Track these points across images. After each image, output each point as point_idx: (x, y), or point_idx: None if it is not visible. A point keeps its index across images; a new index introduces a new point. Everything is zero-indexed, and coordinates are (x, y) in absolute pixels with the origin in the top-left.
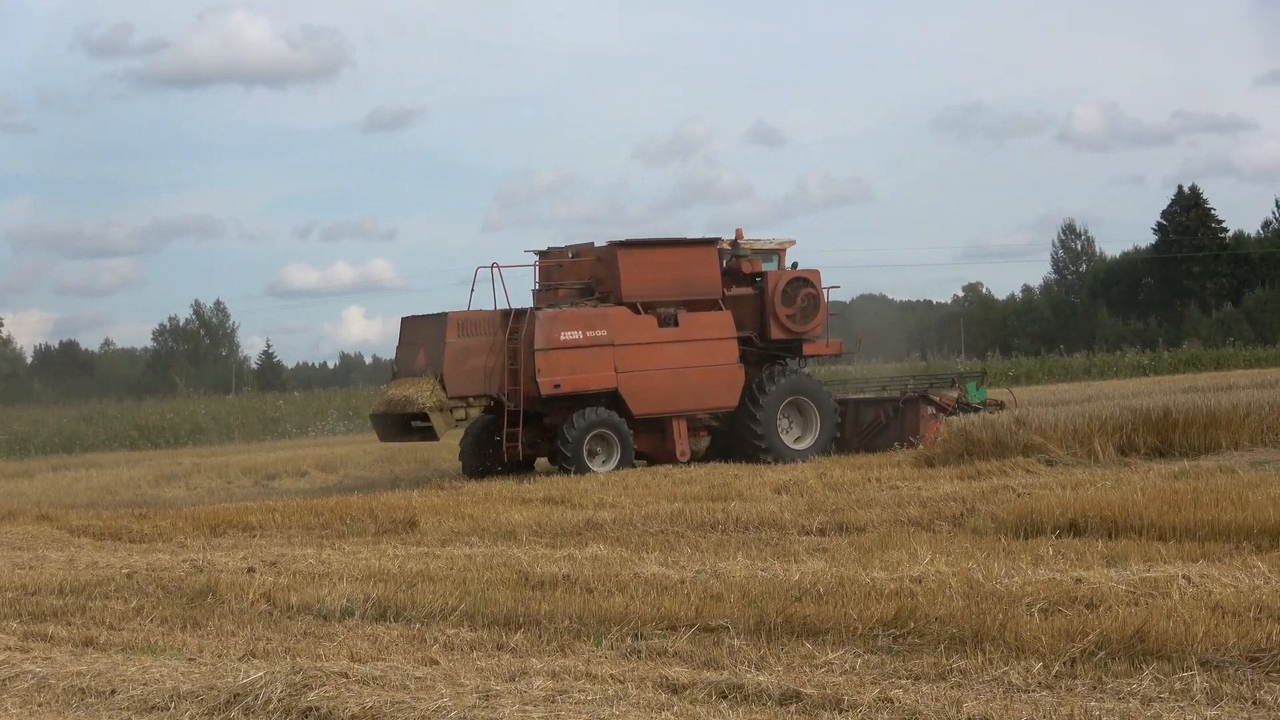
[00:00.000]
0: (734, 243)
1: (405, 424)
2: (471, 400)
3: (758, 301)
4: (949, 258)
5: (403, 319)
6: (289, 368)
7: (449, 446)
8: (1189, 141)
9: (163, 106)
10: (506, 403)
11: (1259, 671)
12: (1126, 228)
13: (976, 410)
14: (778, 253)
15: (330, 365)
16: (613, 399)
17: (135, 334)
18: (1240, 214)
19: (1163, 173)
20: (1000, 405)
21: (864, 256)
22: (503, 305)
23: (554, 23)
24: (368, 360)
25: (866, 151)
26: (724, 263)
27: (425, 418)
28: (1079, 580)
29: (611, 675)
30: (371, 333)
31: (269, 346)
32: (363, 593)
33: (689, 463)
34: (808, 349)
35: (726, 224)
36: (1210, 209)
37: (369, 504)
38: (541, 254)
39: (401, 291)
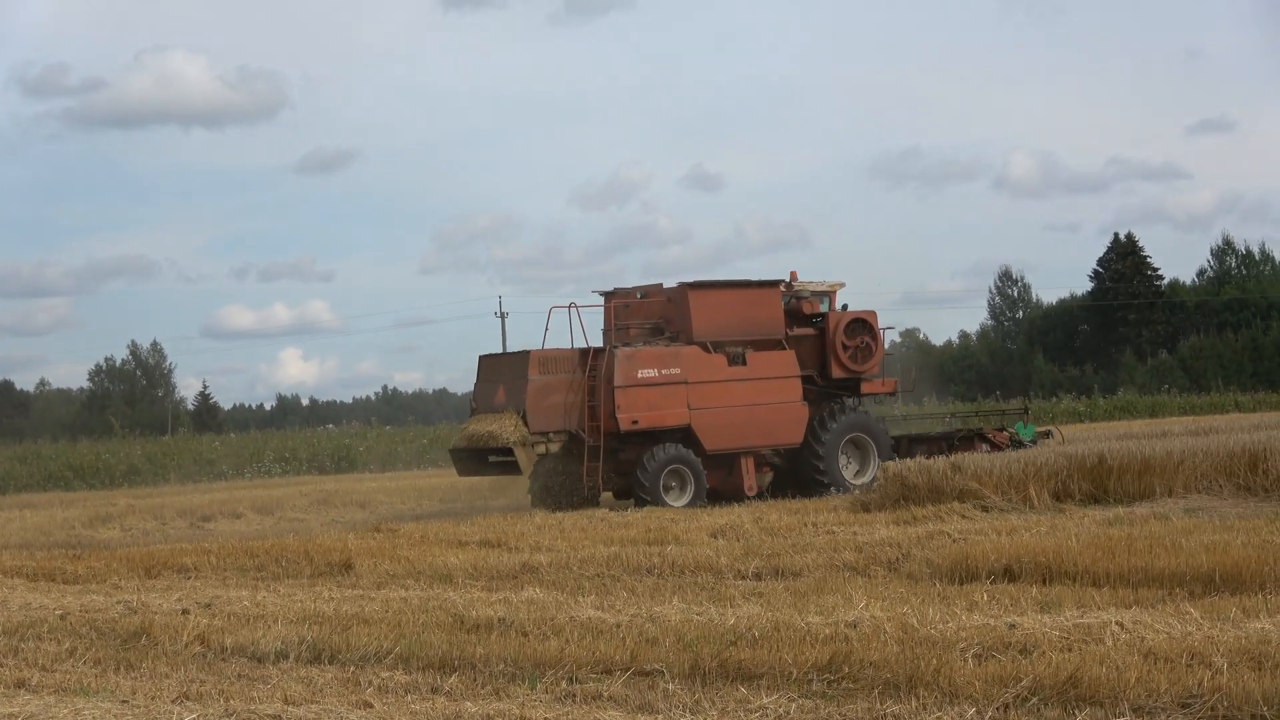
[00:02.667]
0: (789, 284)
1: (485, 459)
2: (551, 435)
3: (818, 341)
4: (886, 303)
5: (481, 357)
6: (225, 409)
7: (389, 488)
8: (1123, 189)
9: (99, 146)
10: (586, 438)
11: (1190, 717)
12: (1062, 274)
13: (1026, 445)
14: (829, 295)
15: (267, 406)
16: (685, 435)
17: (71, 374)
18: (1175, 262)
19: (1098, 220)
20: (1049, 433)
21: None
22: (580, 344)
23: (492, 66)
24: (305, 402)
25: (803, 197)
26: (785, 304)
27: (506, 452)
28: (1013, 626)
29: (546, 719)
30: (308, 374)
31: (205, 387)
32: (297, 635)
33: (756, 497)
34: (865, 387)
35: (663, 269)
36: (1145, 257)
37: (304, 546)
38: (608, 295)
39: (339, 333)
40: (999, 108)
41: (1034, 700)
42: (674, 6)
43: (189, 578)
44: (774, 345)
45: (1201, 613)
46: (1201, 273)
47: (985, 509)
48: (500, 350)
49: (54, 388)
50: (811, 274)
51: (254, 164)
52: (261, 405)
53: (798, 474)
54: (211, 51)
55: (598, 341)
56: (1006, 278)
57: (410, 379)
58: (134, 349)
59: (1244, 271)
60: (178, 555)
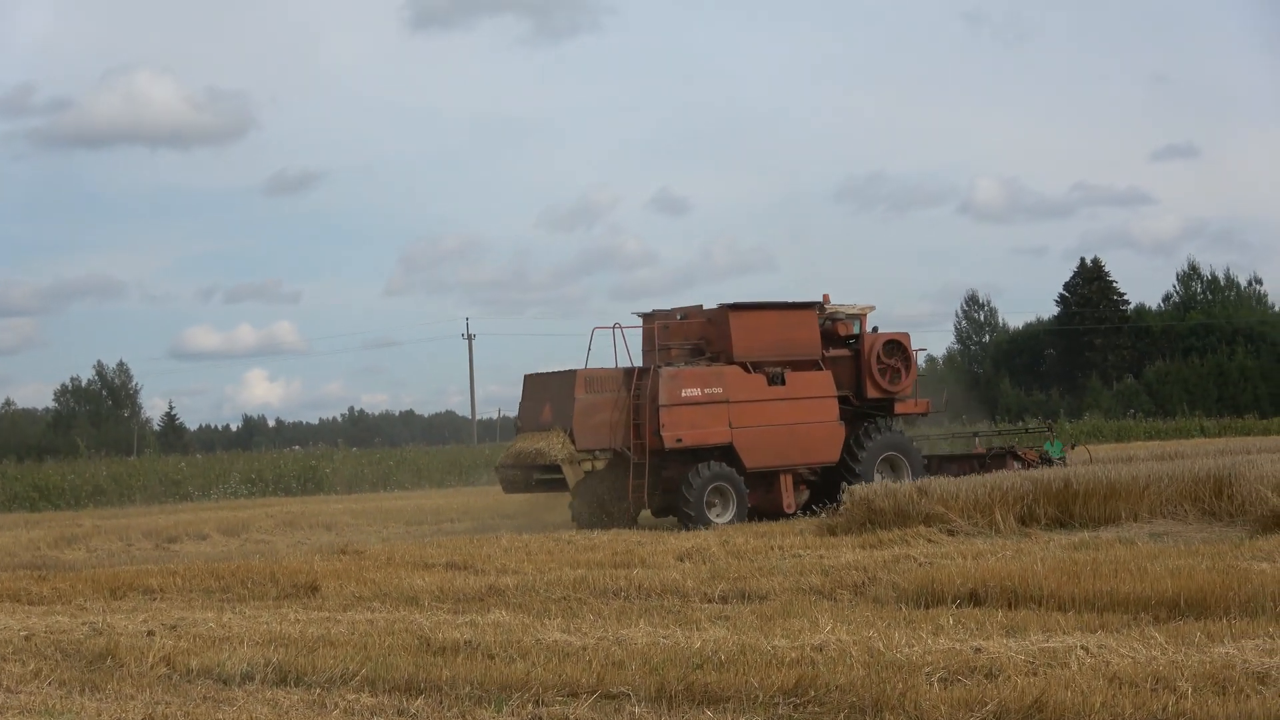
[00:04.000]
0: (821, 306)
1: (530, 476)
2: (597, 453)
3: (853, 362)
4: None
5: (526, 376)
6: (191, 430)
7: (355, 510)
8: (1089, 214)
9: (66, 167)
10: (631, 456)
11: None
12: (1029, 299)
13: (1056, 463)
14: (859, 317)
15: (233, 428)
16: (726, 453)
17: (36, 394)
18: (1141, 287)
19: (1064, 245)
20: (1075, 446)
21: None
22: (622, 364)
23: (460, 87)
24: (271, 423)
25: (770, 220)
26: (820, 325)
27: (553, 469)
28: (978, 650)
29: None
30: (275, 395)
31: (171, 408)
32: (263, 657)
33: (794, 514)
34: (899, 408)
35: (631, 291)
36: (1112, 281)
37: (270, 568)
38: (647, 316)
39: (305, 354)
40: (965, 132)
41: None
42: (643, 29)
43: (154, 599)
44: (811, 366)
45: (1166, 637)
46: (1167, 298)
47: (951, 533)
48: (546, 369)
49: (19, 408)
50: (781, 295)
51: (221, 185)
52: (228, 426)
53: (834, 492)
54: (179, 72)
55: (636, 362)
56: (973, 302)
57: (377, 400)
58: (100, 369)
59: (1210, 297)
60: (143, 576)
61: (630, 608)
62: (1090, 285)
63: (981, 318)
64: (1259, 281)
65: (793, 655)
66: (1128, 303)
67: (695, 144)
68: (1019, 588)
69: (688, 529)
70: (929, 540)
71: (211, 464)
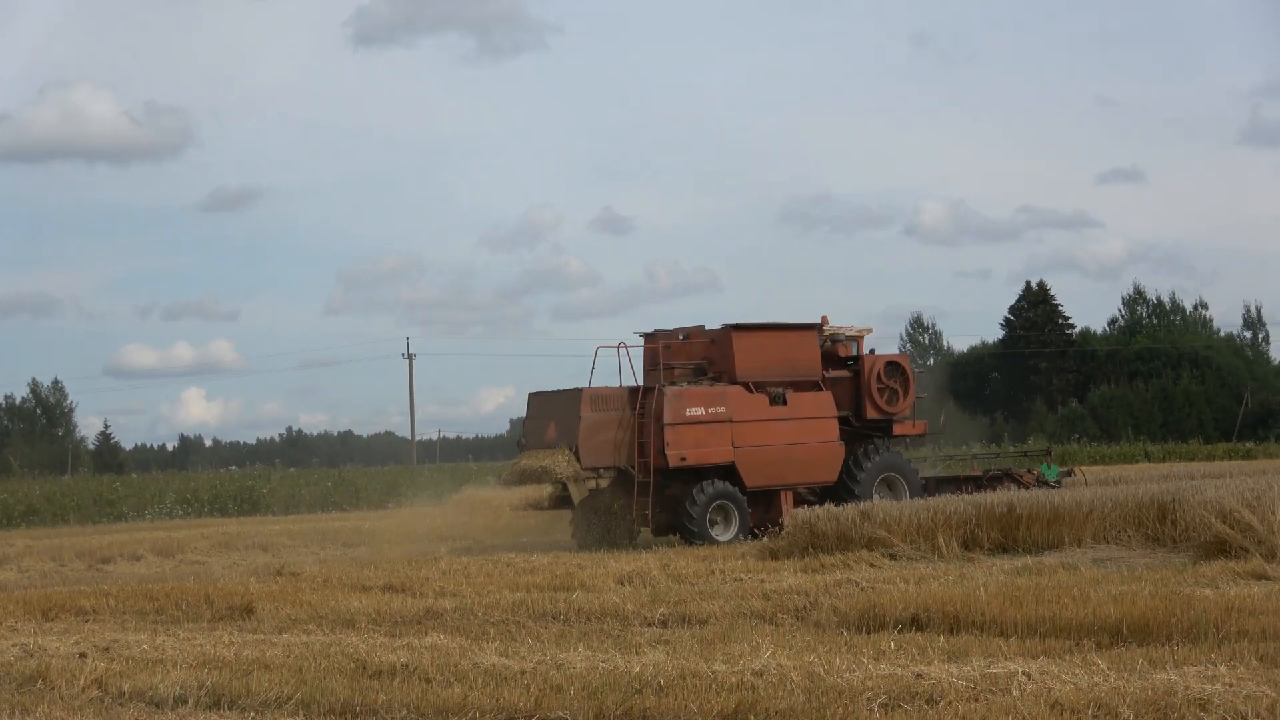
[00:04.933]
0: (820, 328)
1: (538, 495)
2: (602, 471)
3: (853, 383)
4: None
5: (531, 394)
6: (127, 449)
7: (292, 531)
8: (1034, 237)
9: (2, 181)
10: (636, 474)
11: None
12: (974, 322)
13: (1052, 486)
14: (858, 339)
15: (169, 447)
16: (728, 472)
17: None
18: (1086, 311)
19: (1009, 268)
20: (1070, 472)
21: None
22: (626, 383)
23: (402, 106)
24: (208, 442)
25: (714, 241)
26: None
27: (559, 487)
28: (920, 675)
29: None
30: (212, 415)
31: (106, 427)
32: (197, 680)
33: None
34: (897, 429)
35: (573, 312)
36: (1057, 305)
37: (205, 589)
38: (648, 336)
39: (243, 373)
40: (911, 154)
41: None
42: (586, 49)
43: (87, 620)
44: (812, 386)
45: (1108, 664)
46: (1113, 322)
47: (894, 557)
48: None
49: None
50: (725, 316)
51: (159, 201)
52: (164, 446)
53: None
54: (118, 87)
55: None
56: (918, 324)
57: (315, 420)
58: (34, 387)
59: (1155, 321)
60: (76, 597)
61: (569, 631)
62: (1035, 308)
63: (926, 340)
64: (1204, 306)
65: (733, 680)
66: (1073, 326)
67: (639, 164)
68: (961, 613)
69: (691, 545)
70: (871, 564)
71: (147, 484)
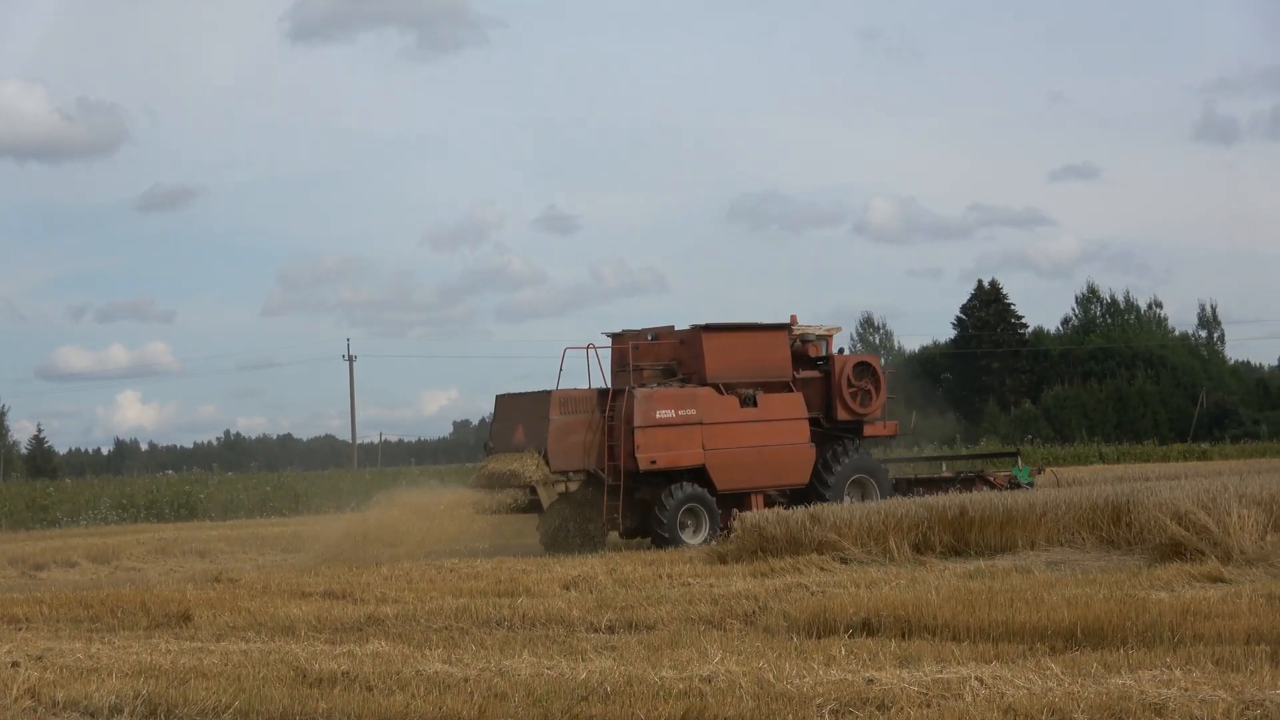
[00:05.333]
0: (789, 328)
1: (504, 498)
2: (571, 475)
3: (824, 384)
4: None
5: (498, 396)
6: (60, 453)
7: (230, 537)
8: (986, 235)
9: None
10: (605, 478)
11: None
12: (925, 321)
13: (1024, 488)
14: (826, 339)
15: (104, 451)
16: (699, 475)
17: None
18: (1039, 310)
19: (960, 266)
20: (1042, 469)
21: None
22: (593, 385)
23: (341, 101)
24: (144, 446)
25: (661, 240)
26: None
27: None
28: (871, 681)
29: None
30: (148, 418)
31: (40, 431)
32: (132, 689)
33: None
34: (868, 430)
35: (517, 312)
36: (1009, 304)
37: (141, 596)
38: (616, 336)
39: (180, 376)
40: (860, 151)
41: None
42: (529, 44)
43: (20, 629)
44: (782, 387)
45: (1062, 668)
46: (1066, 321)
47: (844, 561)
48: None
49: None
50: (673, 316)
51: (93, 200)
52: (98, 450)
53: None
54: (50, 83)
55: (598, 383)
56: (868, 324)
57: (254, 424)
58: None
59: (1109, 320)
60: (8, 605)
61: (514, 638)
62: (988, 308)
63: (877, 340)
64: (1159, 305)
65: (680, 686)
66: (1025, 326)
67: (584, 161)
68: (913, 617)
69: (660, 548)
70: (822, 568)
71: (81, 489)
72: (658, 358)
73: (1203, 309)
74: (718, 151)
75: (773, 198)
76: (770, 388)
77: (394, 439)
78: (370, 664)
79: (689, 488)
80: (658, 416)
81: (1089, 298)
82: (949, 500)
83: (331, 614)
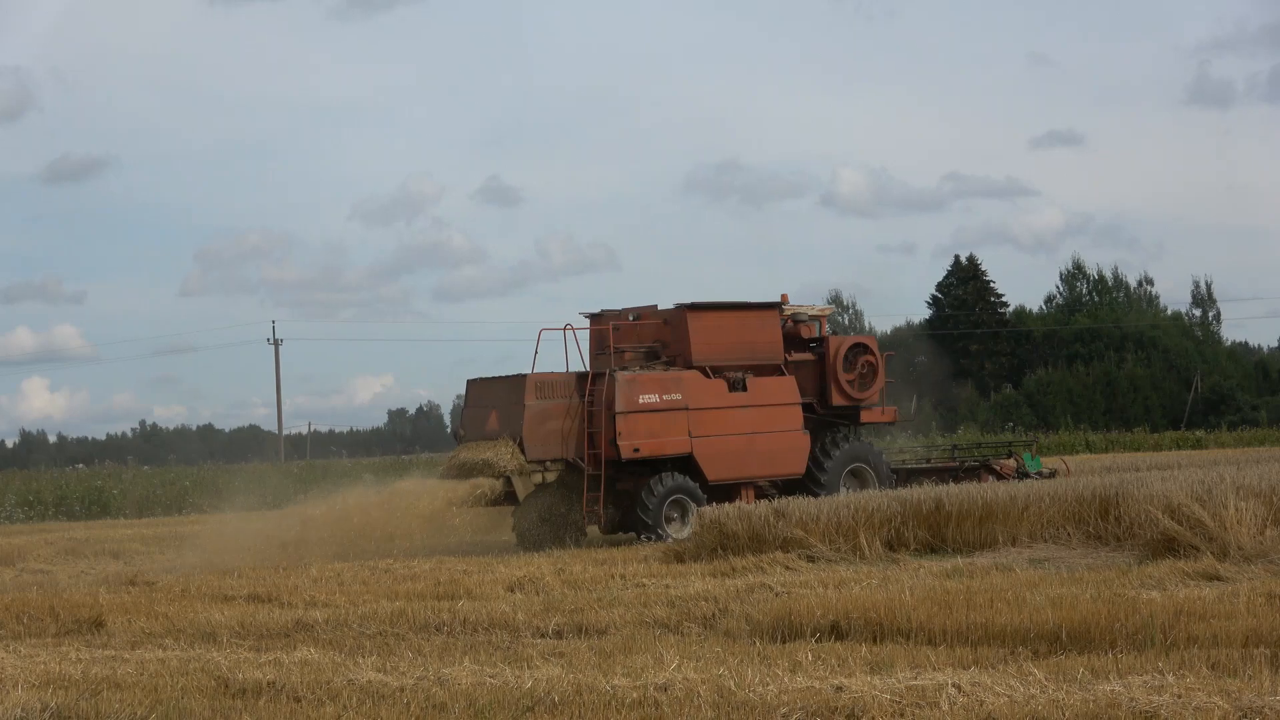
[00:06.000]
0: (780, 308)
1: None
2: (548, 464)
3: (818, 367)
4: None
5: (469, 381)
6: None
7: (146, 536)
8: (963, 208)
9: None
10: (586, 467)
11: None
12: (898, 300)
13: (1032, 477)
14: (820, 319)
15: (8, 444)
16: (684, 464)
17: None
18: (1021, 287)
19: (935, 241)
20: (1054, 473)
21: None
22: (572, 368)
23: (265, 66)
24: (52, 438)
25: (612, 213)
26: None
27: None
28: (840, 689)
29: None
30: (56, 407)
31: None
32: (40, 701)
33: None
34: (865, 416)
35: (456, 292)
36: (989, 281)
37: (50, 601)
38: (594, 317)
39: (91, 362)
40: (827, 118)
41: None
42: (470, 3)
43: None
44: (774, 371)
45: (1046, 674)
46: (1050, 299)
47: (811, 559)
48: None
49: None
50: (627, 296)
51: None
52: (2, 442)
53: None
54: None
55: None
56: (837, 303)
57: (172, 413)
58: None
59: (1096, 298)
60: None
61: (454, 644)
62: (965, 285)
63: (846, 321)
64: (1150, 282)
65: (634, 696)
66: (1006, 305)
67: (528, 129)
68: (885, 619)
69: (646, 541)
70: (787, 567)
71: None
72: (640, 339)
73: (1197, 286)
74: (673, 118)
75: (733, 168)
76: (760, 371)
77: (323, 429)
78: (298, 673)
79: (675, 478)
80: (641, 402)
81: (1074, 274)
82: (924, 493)
83: (256, 619)
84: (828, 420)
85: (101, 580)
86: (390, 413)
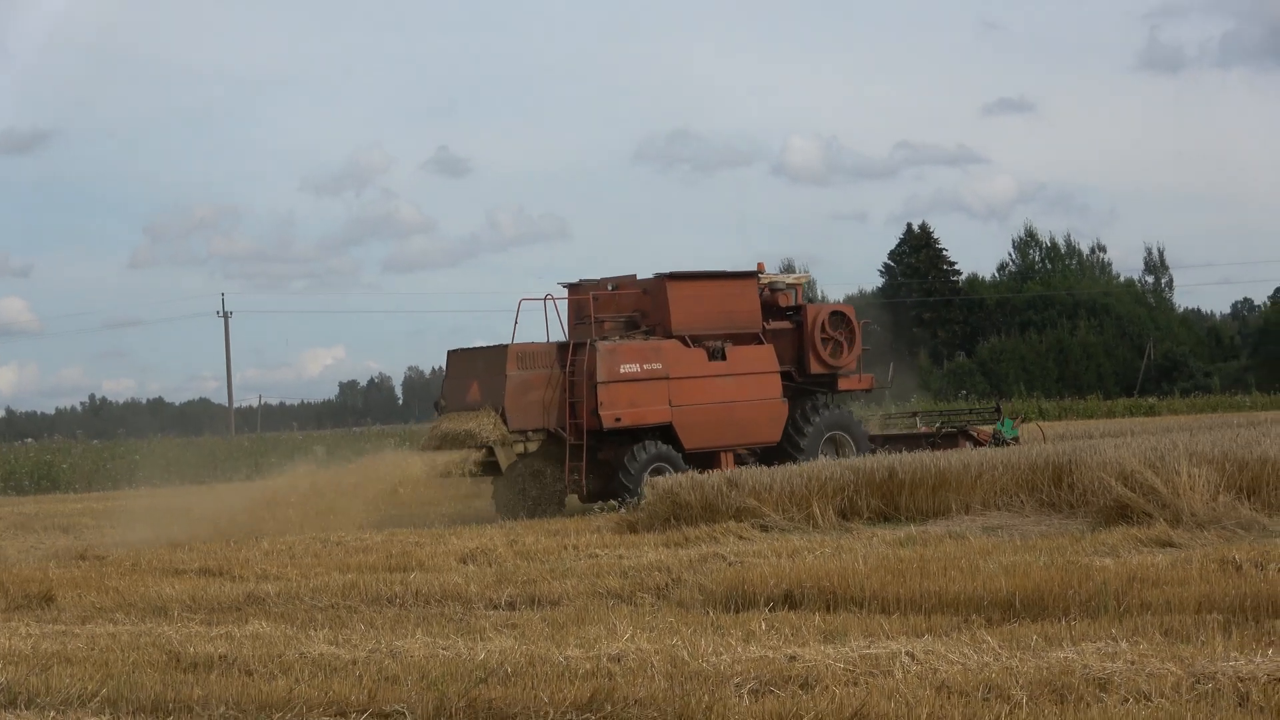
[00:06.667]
0: (757, 276)
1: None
2: (530, 434)
3: (795, 335)
4: None
5: (450, 352)
6: None
7: (96, 510)
8: (914, 175)
9: None
10: (568, 437)
11: None
12: (850, 269)
13: (1009, 443)
14: (796, 287)
15: None
16: (665, 433)
17: None
18: (973, 255)
19: (887, 209)
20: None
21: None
22: (550, 338)
23: (211, 34)
24: (0, 413)
25: (562, 183)
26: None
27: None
28: (793, 658)
29: None
30: (3, 382)
31: None
32: None
33: None
34: (842, 384)
35: (406, 263)
36: (941, 249)
37: None
38: (573, 286)
39: (39, 336)
40: (777, 87)
41: None
42: None
43: None
44: (752, 339)
45: (1000, 641)
46: (1002, 267)
47: (764, 528)
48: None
49: None
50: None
51: None
52: None
53: None
54: None
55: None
56: (789, 272)
57: (121, 387)
58: None
59: (1048, 266)
60: None
61: (406, 616)
62: (917, 253)
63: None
64: (1102, 249)
65: (587, 666)
66: (959, 273)
67: (477, 99)
68: (838, 588)
69: (626, 504)
70: (740, 537)
71: None
72: (619, 309)
73: (1149, 253)
74: (623, 87)
75: (683, 137)
76: (739, 340)
77: (274, 402)
78: (250, 646)
79: (655, 447)
80: (622, 371)
81: (1027, 242)
82: (876, 461)
83: (207, 593)
84: (805, 388)
85: (51, 555)
86: (341, 384)
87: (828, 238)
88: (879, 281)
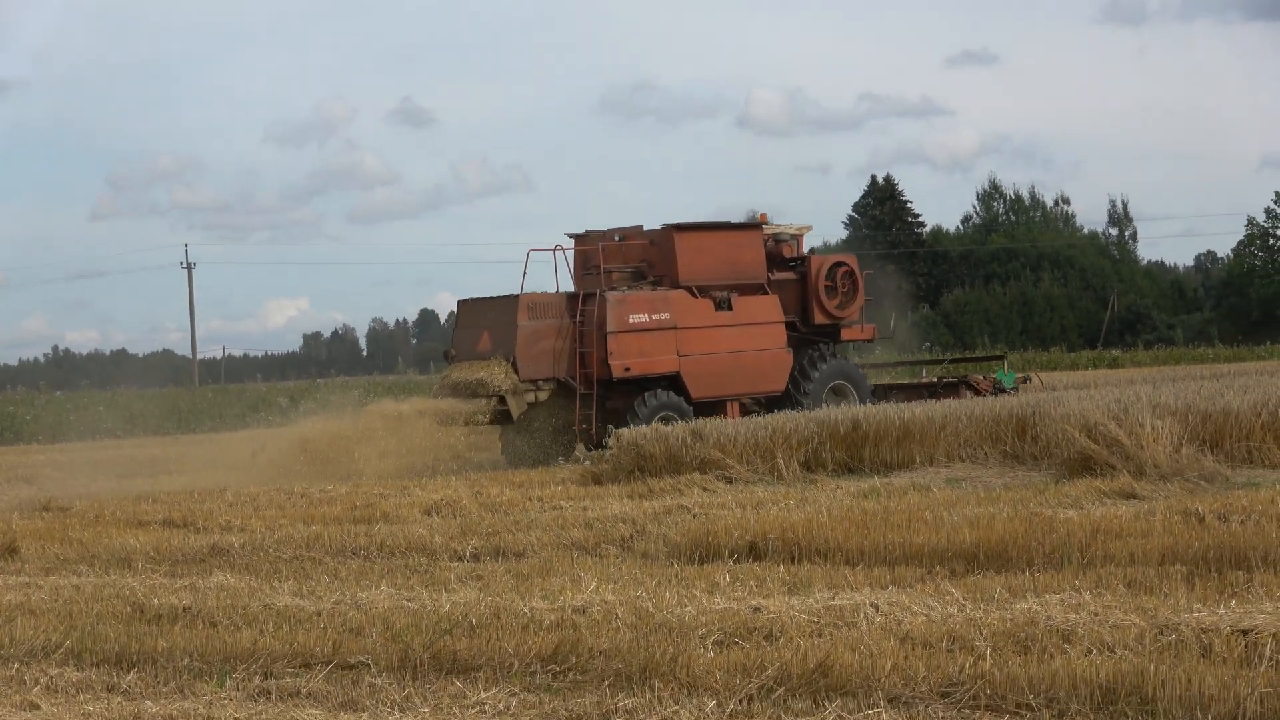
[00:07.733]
0: (761, 227)
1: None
2: (540, 384)
3: (799, 286)
4: None
5: (460, 301)
6: None
7: (59, 461)
8: (878, 127)
9: None
10: (578, 386)
11: (950, 707)
12: (814, 221)
13: (1009, 392)
14: (797, 238)
15: None
16: (673, 382)
17: None
18: (938, 207)
19: (851, 161)
20: (1026, 380)
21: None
22: (560, 288)
23: None
24: None
25: (527, 135)
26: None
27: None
28: (758, 609)
29: (236, 719)
30: None
31: None
32: None
33: None
34: (845, 334)
35: (370, 214)
36: (905, 201)
37: None
38: (579, 237)
39: (1, 286)
40: (741, 37)
41: (780, 691)
42: None
43: None
44: (757, 290)
45: (963, 593)
46: (967, 219)
47: (729, 480)
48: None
49: None
50: (544, 218)
51: None
52: None
53: None
54: None
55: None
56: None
57: (84, 338)
58: None
59: (1012, 218)
60: None
61: (371, 568)
62: (882, 206)
63: None
64: (1066, 201)
65: (552, 618)
66: (923, 225)
67: (441, 49)
68: (803, 540)
69: (588, 459)
70: (704, 489)
71: None
72: (626, 259)
73: (1113, 205)
74: (587, 38)
75: (647, 88)
76: (745, 290)
77: (238, 353)
78: (214, 598)
79: (663, 395)
80: (631, 321)
81: (991, 194)
82: (840, 413)
83: (171, 544)
84: (809, 338)
85: (15, 506)
86: (305, 336)
87: (792, 190)
88: (843, 234)
